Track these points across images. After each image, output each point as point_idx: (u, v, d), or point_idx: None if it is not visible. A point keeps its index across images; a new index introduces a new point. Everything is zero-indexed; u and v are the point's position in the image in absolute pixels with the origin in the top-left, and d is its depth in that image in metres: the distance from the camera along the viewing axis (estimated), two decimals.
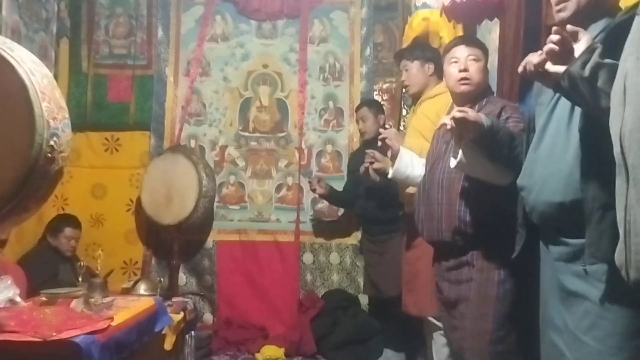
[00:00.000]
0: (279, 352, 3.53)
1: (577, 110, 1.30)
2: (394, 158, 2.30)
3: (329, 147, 4.29)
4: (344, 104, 4.32)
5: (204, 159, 4.13)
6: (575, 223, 1.30)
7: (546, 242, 1.48)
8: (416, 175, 2.24)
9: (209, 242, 4.21)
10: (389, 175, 2.36)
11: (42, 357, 1.46)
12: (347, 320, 3.71)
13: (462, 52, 2.06)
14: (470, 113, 1.64)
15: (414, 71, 2.82)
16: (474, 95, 2.06)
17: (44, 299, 2.08)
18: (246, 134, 4.33)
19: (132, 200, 4.18)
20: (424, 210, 2.08)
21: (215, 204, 4.19)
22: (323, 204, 4.22)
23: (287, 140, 4.32)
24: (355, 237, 4.11)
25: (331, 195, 3.87)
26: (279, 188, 4.29)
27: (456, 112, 1.63)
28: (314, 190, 3.85)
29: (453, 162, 1.84)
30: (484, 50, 2.11)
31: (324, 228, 4.22)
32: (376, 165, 2.62)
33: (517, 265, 1.75)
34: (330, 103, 4.33)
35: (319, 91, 4.34)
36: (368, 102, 3.77)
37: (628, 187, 0.98)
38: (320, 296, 4.04)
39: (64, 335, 1.51)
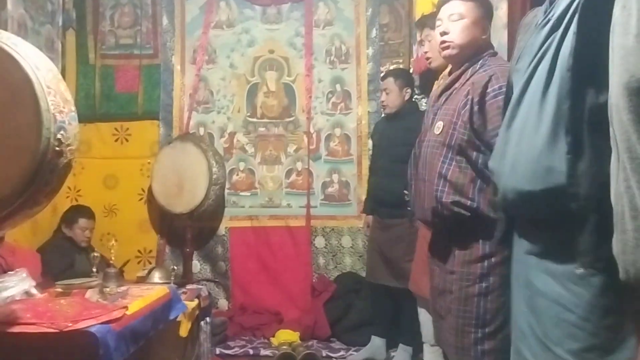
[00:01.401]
0: (294, 336, 3.56)
1: (557, 77, 1.08)
2: None
3: (338, 131, 4.28)
4: (352, 86, 4.29)
5: (213, 147, 4.14)
6: (549, 215, 1.12)
7: (518, 232, 1.27)
8: None
9: (222, 229, 4.24)
10: None
11: (58, 347, 1.48)
12: (360, 303, 3.73)
13: (443, 12, 1.86)
14: None
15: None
16: (462, 58, 1.87)
17: (59, 290, 2.12)
18: (254, 120, 4.33)
19: (143, 190, 4.22)
20: (414, 186, 1.99)
21: (226, 191, 4.22)
22: (333, 188, 4.23)
23: (295, 125, 4.31)
24: (367, 220, 4.11)
25: (369, 208, 3.63)
26: (288, 173, 4.30)
27: None
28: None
29: (437, 129, 1.76)
30: (478, 3, 1.85)
31: (335, 211, 4.23)
32: None
33: (502, 255, 1.61)
34: (338, 86, 4.31)
35: (326, 75, 4.31)
36: (395, 73, 3.52)
37: (618, 171, 0.83)
38: (332, 280, 4.06)
39: (80, 325, 1.53)
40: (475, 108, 1.73)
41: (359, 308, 3.71)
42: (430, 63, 2.73)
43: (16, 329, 1.49)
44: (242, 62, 4.33)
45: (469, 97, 1.75)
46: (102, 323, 1.57)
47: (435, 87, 2.63)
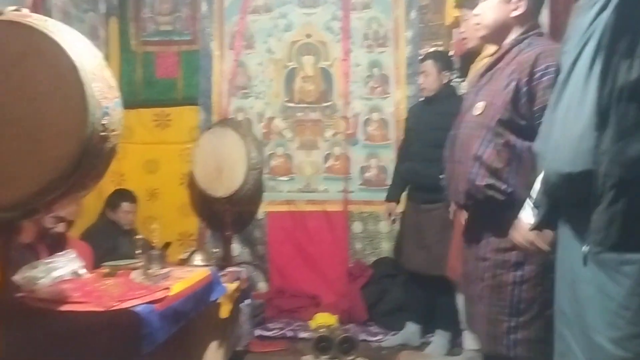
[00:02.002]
0: (332, 319, 3.59)
1: (600, 58, 1.08)
2: None
3: (375, 115, 4.24)
4: (389, 70, 4.24)
5: (251, 132, 4.17)
6: (589, 198, 1.11)
7: (563, 217, 1.27)
8: None
9: (260, 213, 4.29)
10: None
11: (105, 325, 1.54)
12: (397, 288, 3.72)
13: None
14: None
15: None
16: (494, 38, 1.82)
17: (105, 271, 2.20)
18: (292, 105, 4.33)
19: (184, 174, 4.29)
20: (448, 168, 1.94)
21: (264, 175, 4.25)
22: (371, 173, 4.21)
23: (332, 110, 4.30)
24: (404, 205, 4.08)
25: (395, 195, 3.62)
26: (326, 158, 4.30)
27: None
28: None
29: (477, 109, 1.70)
30: None
31: (372, 196, 4.21)
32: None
33: None
34: (375, 70, 4.26)
35: (364, 58, 4.27)
36: (434, 55, 3.46)
37: None
38: (369, 265, 4.06)
39: (125, 305, 1.58)
40: (521, 88, 1.67)
41: (395, 293, 3.71)
42: (466, 43, 2.67)
43: (65, 307, 1.56)
44: (279, 47, 4.33)
45: (514, 76, 1.70)
46: (145, 303, 1.63)
47: (475, 68, 2.58)
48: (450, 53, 3.76)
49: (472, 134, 1.77)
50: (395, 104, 4.20)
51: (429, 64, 3.32)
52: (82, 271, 1.96)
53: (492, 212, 1.74)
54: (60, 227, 2.68)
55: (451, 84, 3.42)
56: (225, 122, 4.12)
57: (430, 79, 3.29)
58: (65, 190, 1.41)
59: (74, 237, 3.22)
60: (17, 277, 1.68)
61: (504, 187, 1.70)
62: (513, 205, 1.65)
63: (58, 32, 1.42)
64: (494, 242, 1.74)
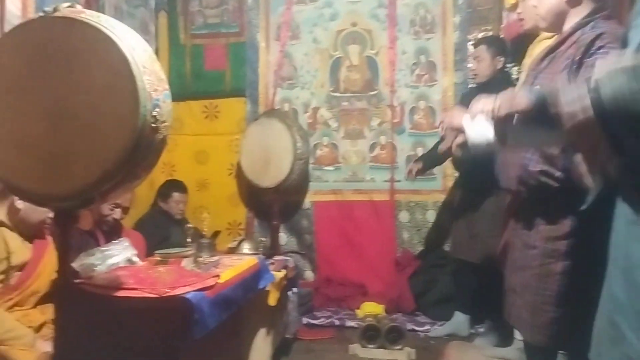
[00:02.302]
0: (379, 308, 3.59)
1: None
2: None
3: (422, 103, 4.18)
4: (437, 57, 4.16)
5: (297, 122, 4.18)
6: None
7: (621, 201, 1.20)
8: None
9: (306, 203, 4.32)
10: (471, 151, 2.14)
11: (157, 311, 1.59)
12: (445, 278, 3.68)
13: None
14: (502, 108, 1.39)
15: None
16: (552, 27, 1.77)
17: (158, 258, 2.27)
18: (337, 94, 4.33)
19: (232, 165, 4.37)
20: (501, 155, 1.87)
21: (311, 165, 4.27)
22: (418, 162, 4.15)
23: (378, 99, 4.26)
24: (452, 194, 4.01)
25: (428, 163, 3.59)
26: (372, 147, 4.27)
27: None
28: (412, 173, 3.58)
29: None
30: None
31: (419, 186, 4.16)
32: (458, 140, 2.28)
33: (590, 231, 1.48)
34: (422, 57, 4.20)
35: (410, 46, 4.21)
36: (488, 40, 3.38)
37: None
38: (417, 254, 4.03)
39: (177, 291, 1.63)
40: (575, 67, 1.60)
41: (443, 283, 3.67)
42: (523, 25, 2.59)
43: (120, 293, 1.62)
44: (324, 36, 4.33)
45: (569, 58, 1.63)
46: (196, 290, 1.67)
47: (532, 51, 2.48)
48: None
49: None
50: (443, 91, 4.13)
51: (482, 49, 3.24)
52: (136, 259, 2.03)
53: (544, 200, 1.69)
54: (116, 214, 2.78)
55: (504, 69, 3.33)
56: (272, 112, 4.15)
57: (483, 65, 3.20)
58: (119, 180, 1.45)
59: (127, 227, 3.34)
60: (76, 264, 1.76)
61: (557, 174, 1.65)
62: (566, 193, 1.59)
63: (111, 27, 1.46)
64: (545, 230, 1.69)
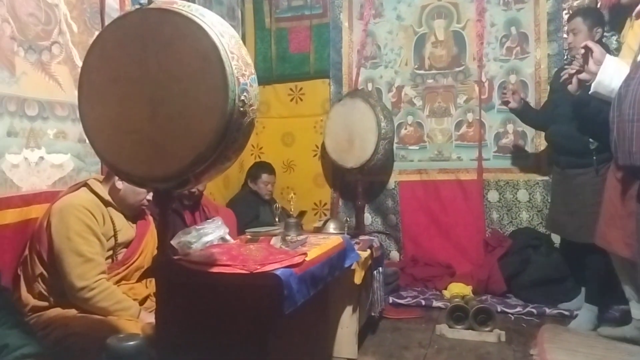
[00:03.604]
0: (467, 289, 3.52)
1: None
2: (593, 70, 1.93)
3: (513, 78, 3.99)
4: (529, 28, 3.95)
5: (381, 101, 4.16)
6: None
7: None
8: None
9: (391, 183, 4.30)
10: (591, 90, 1.99)
11: (249, 287, 1.67)
12: (539, 259, 3.54)
13: None
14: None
15: None
16: None
17: (248, 237, 2.37)
18: (422, 72, 4.24)
19: (317, 146, 4.44)
20: (616, 129, 1.77)
21: (395, 145, 4.24)
22: (508, 139, 3.99)
23: (465, 75, 4.12)
24: (545, 172, 3.83)
25: (524, 112, 3.53)
26: (458, 125, 4.16)
27: None
28: (505, 103, 3.54)
29: None
30: None
31: (509, 164, 4.01)
32: (583, 76, 2.19)
33: None
34: (513, 29, 4.00)
35: (499, 17, 4.02)
36: (584, 12, 3.18)
37: None
38: (507, 235, 3.90)
39: (267, 268, 1.69)
40: None
41: (537, 264, 3.52)
42: None
43: (215, 269, 1.71)
44: (409, 12, 4.24)
45: None
46: (285, 267, 1.73)
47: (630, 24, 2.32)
48: (598, 5, 3.42)
49: None
50: (536, 64, 3.92)
51: (578, 22, 3.06)
52: (228, 237, 2.13)
53: None
54: (201, 187, 2.90)
55: (603, 41, 3.10)
56: (355, 93, 4.16)
57: (581, 37, 3.00)
58: (211, 162, 1.53)
59: (221, 205, 3.51)
60: (173, 242, 1.88)
61: None
62: None
63: (200, 16, 1.52)
64: None
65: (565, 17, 3.70)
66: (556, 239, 3.65)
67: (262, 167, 4.08)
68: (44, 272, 2.03)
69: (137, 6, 1.58)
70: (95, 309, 2.00)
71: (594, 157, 2.87)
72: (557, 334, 2.87)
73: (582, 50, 2.02)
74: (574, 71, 2.26)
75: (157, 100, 1.52)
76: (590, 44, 1.97)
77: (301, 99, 4.52)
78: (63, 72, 2.42)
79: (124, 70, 1.55)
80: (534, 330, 2.96)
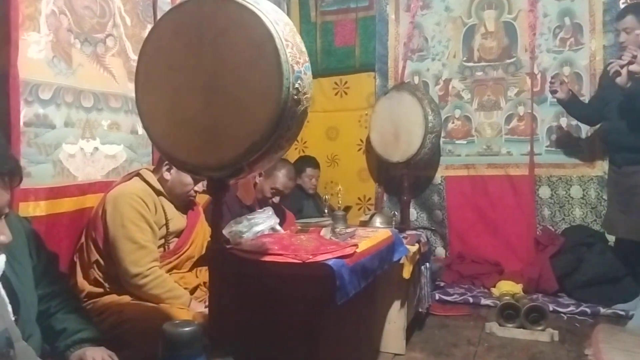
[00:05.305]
0: (517, 287, 3.42)
1: None
2: None
3: (567, 69, 3.85)
4: (583, 18, 3.80)
5: (428, 95, 4.09)
6: None
7: None
8: None
9: (437, 178, 4.22)
10: None
11: (300, 276, 1.66)
12: (593, 258, 3.40)
13: None
14: None
15: None
16: None
17: (298, 227, 2.37)
18: (471, 64, 4.14)
19: (362, 140, 4.40)
20: None
21: (442, 139, 4.16)
22: (562, 133, 3.86)
23: (516, 67, 4.01)
24: (601, 168, 3.69)
25: (572, 104, 3.44)
26: (508, 119, 4.04)
27: None
28: (553, 92, 3.46)
29: None
30: None
31: (563, 159, 3.87)
32: (634, 67, 2.09)
33: None
34: (567, 19, 3.85)
35: (553, 7, 3.88)
36: (635, 8, 3.09)
37: None
38: (559, 232, 3.77)
39: (319, 258, 1.68)
40: None
41: (591, 263, 3.39)
42: None
43: (267, 258, 1.71)
44: (457, 3, 4.14)
45: None
46: (337, 257, 1.71)
47: None
48: None
49: None
50: (591, 55, 3.77)
51: (630, 20, 3.00)
52: (279, 227, 2.13)
53: None
54: (275, 199, 2.93)
55: None
56: (402, 86, 4.11)
57: (633, 36, 2.95)
58: (265, 150, 1.52)
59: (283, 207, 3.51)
60: (225, 231, 1.88)
61: None
62: None
63: (255, 3, 1.51)
64: None
65: (622, 6, 3.55)
66: (610, 237, 3.50)
67: (306, 161, 4.07)
68: (100, 259, 2.08)
69: None
70: (148, 295, 2.03)
71: None
72: (613, 334, 2.74)
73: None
74: (625, 62, 2.17)
75: (212, 89, 1.52)
76: None
77: (346, 93, 4.50)
78: (117, 64, 2.46)
79: (179, 59, 1.56)
80: (587, 330, 2.85)
